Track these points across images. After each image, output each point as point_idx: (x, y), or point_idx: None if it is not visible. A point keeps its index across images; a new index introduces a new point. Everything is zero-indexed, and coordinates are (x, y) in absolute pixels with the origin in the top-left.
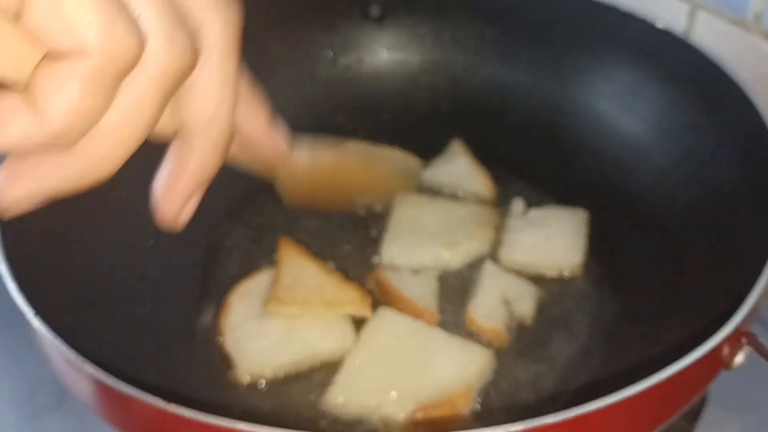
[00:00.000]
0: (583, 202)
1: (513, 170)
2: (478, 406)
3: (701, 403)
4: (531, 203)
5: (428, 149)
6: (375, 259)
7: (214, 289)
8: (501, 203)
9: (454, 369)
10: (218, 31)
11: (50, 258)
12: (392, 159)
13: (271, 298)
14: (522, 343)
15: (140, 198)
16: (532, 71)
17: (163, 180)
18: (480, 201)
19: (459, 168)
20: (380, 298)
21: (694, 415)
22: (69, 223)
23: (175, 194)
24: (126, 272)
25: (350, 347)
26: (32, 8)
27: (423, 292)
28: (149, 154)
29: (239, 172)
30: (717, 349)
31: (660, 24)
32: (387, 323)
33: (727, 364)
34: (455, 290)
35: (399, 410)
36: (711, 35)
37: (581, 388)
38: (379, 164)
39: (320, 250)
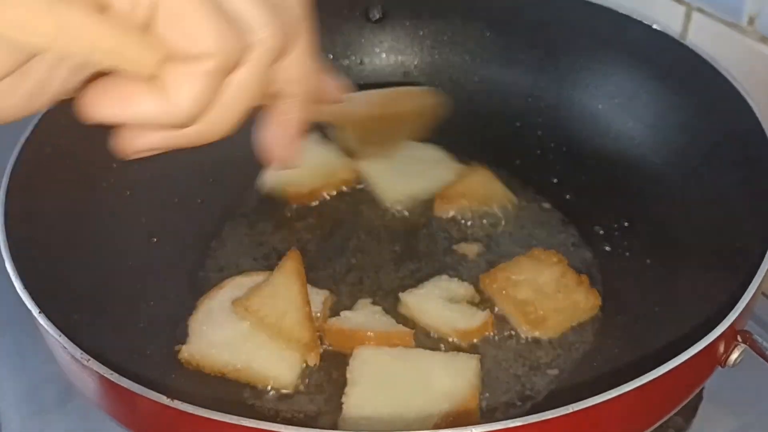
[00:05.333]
0: (581, 202)
1: (511, 171)
2: (484, 405)
3: (697, 400)
4: (529, 203)
5: None
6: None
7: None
8: None
9: (451, 379)
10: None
11: (55, 257)
12: (416, 96)
13: (239, 300)
14: (521, 342)
15: (143, 198)
16: (529, 73)
17: (273, 134)
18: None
19: None
20: (344, 344)
21: (691, 411)
22: (73, 222)
23: (286, 141)
24: (129, 270)
25: (285, 385)
26: (160, 22)
27: (379, 322)
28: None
29: (249, 181)
30: (712, 347)
31: (656, 26)
32: (368, 359)
33: (722, 362)
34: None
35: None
36: (706, 37)
37: (578, 385)
38: (411, 102)
39: (323, 266)
